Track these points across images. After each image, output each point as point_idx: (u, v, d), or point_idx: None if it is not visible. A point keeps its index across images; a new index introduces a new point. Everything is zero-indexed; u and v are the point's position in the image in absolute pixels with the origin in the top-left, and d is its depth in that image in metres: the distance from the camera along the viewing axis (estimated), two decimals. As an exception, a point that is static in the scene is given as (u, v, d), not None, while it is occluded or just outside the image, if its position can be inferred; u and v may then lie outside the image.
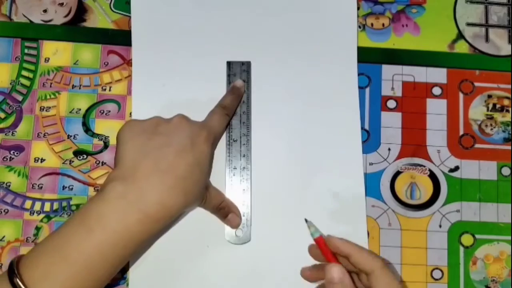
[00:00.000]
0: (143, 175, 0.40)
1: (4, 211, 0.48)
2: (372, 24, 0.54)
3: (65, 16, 0.52)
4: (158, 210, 0.39)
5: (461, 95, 0.53)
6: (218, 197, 0.46)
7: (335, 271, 0.39)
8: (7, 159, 0.49)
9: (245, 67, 0.51)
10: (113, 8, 0.53)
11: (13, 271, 0.37)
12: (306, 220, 0.43)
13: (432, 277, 0.49)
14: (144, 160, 0.40)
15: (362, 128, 0.51)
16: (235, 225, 0.48)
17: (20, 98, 0.50)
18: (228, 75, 0.51)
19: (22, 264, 0.37)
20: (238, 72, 0.51)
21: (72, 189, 0.49)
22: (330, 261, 0.41)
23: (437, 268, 0.49)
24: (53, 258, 0.37)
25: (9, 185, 0.49)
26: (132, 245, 0.39)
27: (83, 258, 0.37)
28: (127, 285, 0.47)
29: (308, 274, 0.46)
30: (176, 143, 0.41)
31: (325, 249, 0.42)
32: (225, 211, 0.47)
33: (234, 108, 0.49)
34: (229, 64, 0.51)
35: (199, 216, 0.48)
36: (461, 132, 0.52)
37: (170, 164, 0.40)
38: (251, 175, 0.49)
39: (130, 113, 0.50)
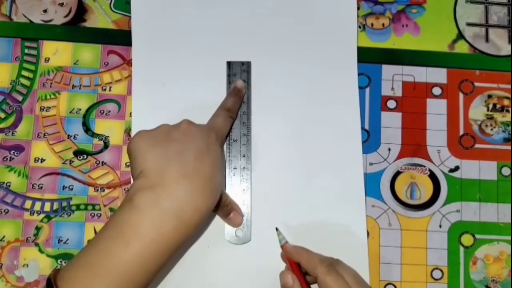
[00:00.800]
0: (171, 181, 0.39)
1: (4, 211, 0.48)
2: (372, 24, 0.54)
3: (65, 16, 0.52)
4: (193, 214, 0.39)
5: (461, 95, 0.53)
6: (223, 195, 0.46)
7: (287, 277, 0.44)
8: (7, 159, 0.49)
9: (245, 67, 0.51)
10: (113, 8, 0.53)
11: (52, 286, 0.37)
12: (276, 229, 0.46)
13: (432, 277, 0.49)
14: (168, 167, 0.40)
15: (362, 128, 0.51)
16: (236, 224, 0.48)
17: (20, 98, 0.50)
18: (228, 75, 0.51)
19: (60, 279, 0.37)
20: (238, 72, 0.51)
21: (72, 189, 0.49)
22: (290, 266, 0.45)
23: (437, 268, 0.49)
24: (92, 271, 0.37)
25: (9, 185, 0.49)
26: (169, 251, 0.39)
27: (122, 270, 0.37)
28: None
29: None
30: (193, 147, 0.41)
31: (286, 256, 0.46)
32: (228, 209, 0.47)
33: (237, 110, 0.49)
34: (229, 64, 0.51)
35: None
36: (461, 132, 0.52)
37: (193, 168, 0.40)
38: (251, 175, 0.49)
39: (130, 113, 0.50)
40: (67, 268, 0.38)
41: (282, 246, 0.46)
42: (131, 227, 0.38)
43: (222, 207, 0.46)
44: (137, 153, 0.41)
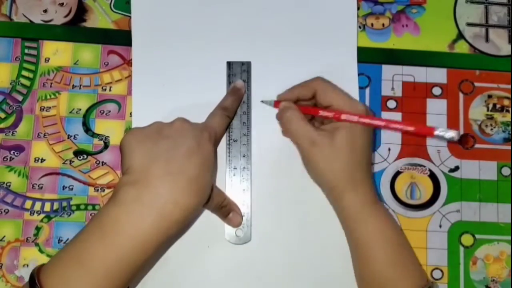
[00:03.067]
0: (155, 177, 0.39)
1: (4, 211, 0.48)
2: (372, 24, 0.54)
3: (65, 16, 0.52)
4: (173, 211, 0.39)
5: (461, 95, 0.53)
6: (220, 195, 0.46)
7: (283, 103, 0.48)
8: (7, 159, 0.49)
9: (245, 67, 0.51)
10: (113, 8, 0.53)
11: (34, 280, 0.37)
12: (262, 101, 0.50)
13: (432, 277, 0.49)
14: (154, 164, 0.40)
15: (362, 128, 0.51)
16: (236, 224, 0.48)
17: (20, 98, 0.50)
18: (228, 75, 0.51)
19: (43, 273, 0.38)
20: (238, 72, 0.51)
21: (72, 189, 0.49)
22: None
23: (437, 268, 0.49)
24: (71, 265, 0.38)
25: (9, 185, 0.49)
26: (149, 249, 0.39)
27: (100, 264, 0.37)
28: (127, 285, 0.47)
29: None
30: (182, 145, 0.41)
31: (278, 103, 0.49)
32: (226, 209, 0.47)
33: (235, 109, 0.49)
34: (229, 64, 0.51)
35: (199, 216, 0.48)
36: (461, 132, 0.52)
37: (180, 165, 0.40)
38: (251, 175, 0.49)
39: (130, 113, 0.50)
40: (50, 262, 0.39)
41: (275, 104, 0.49)
42: (110, 221, 0.38)
43: (221, 207, 0.46)
44: (126, 149, 0.41)
